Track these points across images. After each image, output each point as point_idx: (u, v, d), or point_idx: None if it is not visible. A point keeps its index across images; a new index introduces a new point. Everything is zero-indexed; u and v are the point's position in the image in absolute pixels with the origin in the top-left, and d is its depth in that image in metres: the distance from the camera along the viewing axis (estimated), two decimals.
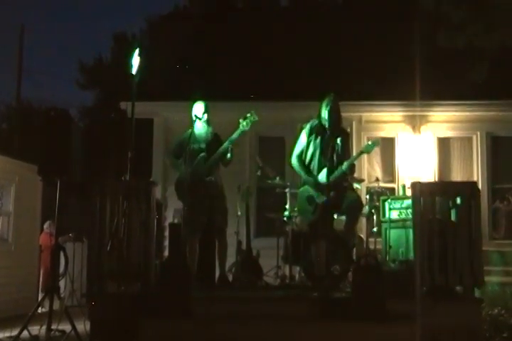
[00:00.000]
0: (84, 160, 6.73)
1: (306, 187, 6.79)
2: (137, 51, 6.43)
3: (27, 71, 21.71)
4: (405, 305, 5.53)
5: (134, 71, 6.31)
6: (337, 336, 5.42)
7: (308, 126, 6.74)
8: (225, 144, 6.94)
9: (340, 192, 6.61)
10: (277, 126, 10.46)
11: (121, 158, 7.39)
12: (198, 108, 7.14)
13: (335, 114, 6.61)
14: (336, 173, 6.55)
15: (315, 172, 6.66)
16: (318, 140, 6.62)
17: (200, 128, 7.12)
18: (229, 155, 6.99)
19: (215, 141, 7.14)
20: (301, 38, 11.72)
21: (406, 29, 10.47)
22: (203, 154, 7.07)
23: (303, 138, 6.76)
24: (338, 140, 6.59)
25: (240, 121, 6.85)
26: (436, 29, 10.53)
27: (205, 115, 7.11)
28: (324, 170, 6.62)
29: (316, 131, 6.64)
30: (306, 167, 6.71)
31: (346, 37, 11.58)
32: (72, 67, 27.11)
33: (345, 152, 6.66)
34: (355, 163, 6.74)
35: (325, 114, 6.60)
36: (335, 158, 6.58)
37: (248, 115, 6.83)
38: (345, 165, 6.47)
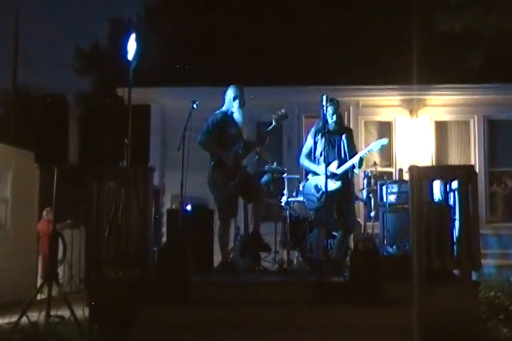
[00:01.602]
0: (81, 147, 6.69)
1: (315, 176, 7.01)
2: (133, 36, 6.40)
3: (23, 56, 21.56)
4: (403, 289, 5.56)
5: (130, 57, 6.29)
6: (335, 320, 5.43)
7: (313, 129, 7.09)
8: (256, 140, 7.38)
9: (347, 183, 6.98)
10: (274, 111, 10.40)
11: (119, 145, 7.38)
12: (232, 92, 7.07)
13: (338, 117, 7.05)
14: (347, 165, 6.89)
15: (325, 166, 6.88)
16: (325, 138, 6.92)
17: (237, 114, 7.08)
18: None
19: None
20: (299, 21, 11.65)
21: (403, 13, 10.41)
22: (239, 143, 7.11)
23: (309, 140, 7.11)
24: (343, 136, 7.02)
25: (272, 116, 7.10)
26: (433, 12, 10.49)
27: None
28: (335, 162, 6.93)
29: (322, 131, 6.93)
30: (313, 162, 7.02)
31: (343, 20, 11.49)
32: (69, 53, 26.79)
33: (352, 146, 7.05)
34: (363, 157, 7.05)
35: (329, 117, 6.97)
36: (343, 153, 6.98)
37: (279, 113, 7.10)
38: (356, 158, 6.86)
